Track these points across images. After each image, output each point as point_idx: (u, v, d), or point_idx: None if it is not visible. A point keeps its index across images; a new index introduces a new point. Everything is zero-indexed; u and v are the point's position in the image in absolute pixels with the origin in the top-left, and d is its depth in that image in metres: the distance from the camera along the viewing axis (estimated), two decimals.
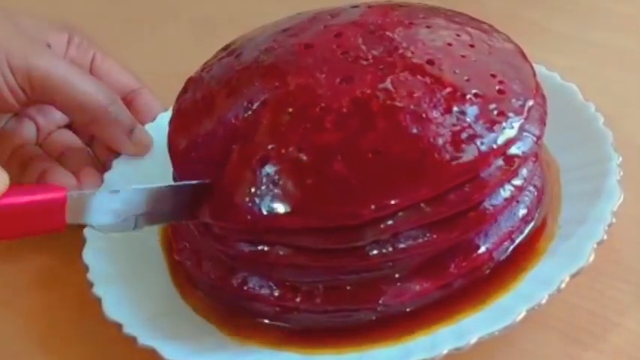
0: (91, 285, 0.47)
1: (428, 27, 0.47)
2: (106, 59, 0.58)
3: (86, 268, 0.48)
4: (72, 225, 0.50)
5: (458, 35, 0.47)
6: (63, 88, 0.52)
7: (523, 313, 0.41)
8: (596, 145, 0.48)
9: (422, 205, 0.42)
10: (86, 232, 0.50)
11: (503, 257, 0.45)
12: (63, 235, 0.53)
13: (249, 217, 0.42)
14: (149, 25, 0.75)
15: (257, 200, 0.42)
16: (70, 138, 0.56)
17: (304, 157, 0.42)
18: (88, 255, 0.49)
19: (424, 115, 0.42)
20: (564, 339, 0.45)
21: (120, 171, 0.54)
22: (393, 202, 0.41)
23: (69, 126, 0.58)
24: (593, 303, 0.46)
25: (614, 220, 0.45)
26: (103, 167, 0.55)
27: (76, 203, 0.43)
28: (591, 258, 0.43)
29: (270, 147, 0.43)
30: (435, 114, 0.42)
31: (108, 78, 0.56)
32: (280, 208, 0.42)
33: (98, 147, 0.56)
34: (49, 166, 0.53)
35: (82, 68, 0.55)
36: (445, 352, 0.40)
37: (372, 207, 0.41)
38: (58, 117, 0.57)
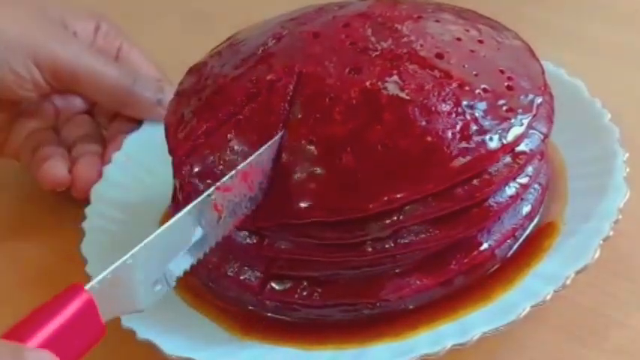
0: (89, 278, 0.46)
1: (437, 21, 0.47)
2: (132, 49, 0.58)
3: (85, 262, 0.47)
4: (69, 219, 0.51)
5: (467, 30, 0.47)
6: (88, 80, 0.53)
7: (527, 309, 0.41)
8: (603, 141, 0.48)
9: (428, 199, 0.42)
10: (84, 225, 0.49)
11: (506, 255, 0.45)
12: (60, 231, 0.53)
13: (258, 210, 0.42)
14: (146, 20, 0.75)
15: (266, 193, 0.42)
16: (85, 128, 0.57)
17: (313, 149, 0.42)
18: (87, 248, 0.48)
19: (433, 109, 0.42)
20: (566, 337, 0.45)
21: (119, 166, 0.54)
22: (399, 195, 0.41)
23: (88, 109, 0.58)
24: (595, 301, 0.46)
25: (619, 217, 0.44)
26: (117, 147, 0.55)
27: (101, 297, 0.38)
28: (597, 254, 0.43)
29: (280, 136, 0.42)
30: (443, 108, 0.42)
31: (132, 68, 0.57)
32: (290, 201, 0.41)
33: (117, 125, 0.57)
34: (54, 153, 0.54)
35: (108, 57, 0.56)
36: (448, 347, 0.40)
37: (379, 200, 0.41)
38: (78, 102, 0.58)
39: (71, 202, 0.54)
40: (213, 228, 0.42)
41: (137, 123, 0.56)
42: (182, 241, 0.41)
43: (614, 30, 0.65)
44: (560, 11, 0.68)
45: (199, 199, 0.41)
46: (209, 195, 0.41)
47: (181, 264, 0.41)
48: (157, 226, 0.51)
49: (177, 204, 0.48)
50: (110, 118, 0.57)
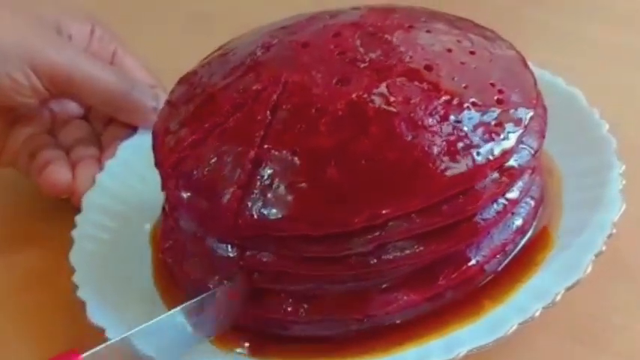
0: (75, 288, 0.46)
1: (428, 31, 0.46)
2: (126, 55, 0.58)
3: (72, 270, 0.47)
4: (61, 225, 0.51)
5: (459, 41, 0.46)
6: (85, 85, 0.53)
7: (515, 326, 0.40)
8: (599, 153, 0.47)
9: (413, 215, 0.41)
10: (74, 233, 0.49)
11: (496, 269, 0.44)
12: (53, 236, 0.53)
13: (240, 221, 0.41)
14: (146, 21, 0.75)
15: (249, 203, 0.41)
16: (82, 131, 0.57)
17: (297, 161, 0.41)
18: (75, 257, 0.48)
19: (420, 123, 0.41)
20: (565, 340, 0.44)
21: (111, 173, 0.53)
22: (384, 211, 0.40)
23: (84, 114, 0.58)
24: (595, 304, 0.46)
25: (614, 231, 0.44)
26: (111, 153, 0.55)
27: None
28: (589, 270, 0.42)
29: (263, 146, 0.42)
30: (430, 122, 0.41)
31: (127, 74, 0.57)
32: (272, 212, 0.41)
33: (112, 131, 0.57)
34: (54, 157, 0.54)
35: (105, 62, 0.56)
36: None
37: (363, 215, 0.40)
38: (74, 107, 0.58)
39: (63, 208, 0.53)
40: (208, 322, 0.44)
41: (133, 129, 0.56)
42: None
43: (613, 31, 0.64)
44: (559, 12, 0.67)
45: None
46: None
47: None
48: (148, 235, 0.51)
49: (166, 215, 0.48)
50: (105, 124, 0.57)
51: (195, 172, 0.43)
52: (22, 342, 0.49)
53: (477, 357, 0.41)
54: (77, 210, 0.51)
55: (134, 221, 0.51)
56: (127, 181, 0.53)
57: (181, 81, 0.49)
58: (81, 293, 0.45)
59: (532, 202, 0.46)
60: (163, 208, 0.49)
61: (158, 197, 0.49)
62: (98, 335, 0.44)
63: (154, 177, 0.49)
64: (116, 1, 0.75)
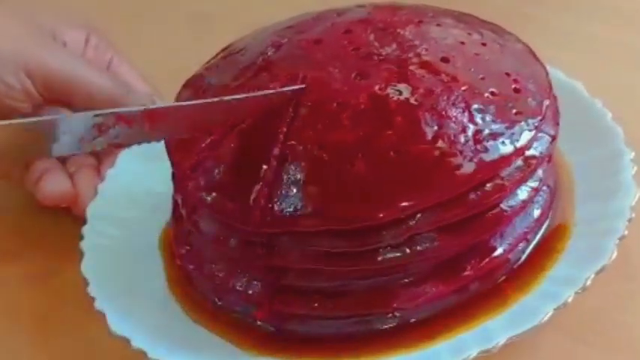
0: (93, 300, 0.45)
1: (438, 25, 0.46)
2: (122, 64, 0.56)
3: (86, 283, 0.46)
4: (62, 225, 0.51)
5: (469, 34, 0.46)
6: (81, 90, 0.52)
7: (550, 313, 0.40)
8: (607, 141, 0.48)
9: (441, 206, 0.41)
10: (82, 245, 0.48)
11: (519, 259, 0.44)
12: (53, 237, 0.53)
13: (267, 219, 0.41)
14: (146, 21, 0.74)
15: (276, 200, 0.41)
16: None
17: (322, 154, 0.41)
18: (87, 269, 0.47)
19: (443, 113, 0.41)
20: (569, 338, 0.44)
21: (113, 182, 0.52)
22: (413, 202, 0.40)
23: None
24: (599, 301, 0.45)
25: (633, 215, 0.44)
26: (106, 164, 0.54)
27: None
28: (614, 255, 0.42)
29: (287, 143, 0.41)
30: (454, 112, 0.42)
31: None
32: (299, 209, 0.40)
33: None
34: (50, 167, 0.52)
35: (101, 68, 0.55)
36: (474, 354, 0.39)
37: (391, 209, 0.40)
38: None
39: (63, 209, 0.52)
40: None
41: None
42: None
43: (614, 30, 0.65)
44: (560, 11, 0.68)
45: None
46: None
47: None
48: (157, 240, 0.50)
49: (179, 219, 0.47)
50: None
51: (217, 173, 0.42)
52: (21, 343, 0.48)
53: (482, 356, 0.41)
54: (80, 219, 0.50)
55: (141, 229, 0.50)
56: (129, 190, 0.52)
57: (187, 84, 0.48)
58: (98, 305, 0.44)
59: (548, 191, 0.46)
60: (174, 214, 0.48)
61: (163, 204, 0.49)
62: (98, 334, 0.44)
63: (157, 184, 0.49)
64: (116, 1, 0.73)
